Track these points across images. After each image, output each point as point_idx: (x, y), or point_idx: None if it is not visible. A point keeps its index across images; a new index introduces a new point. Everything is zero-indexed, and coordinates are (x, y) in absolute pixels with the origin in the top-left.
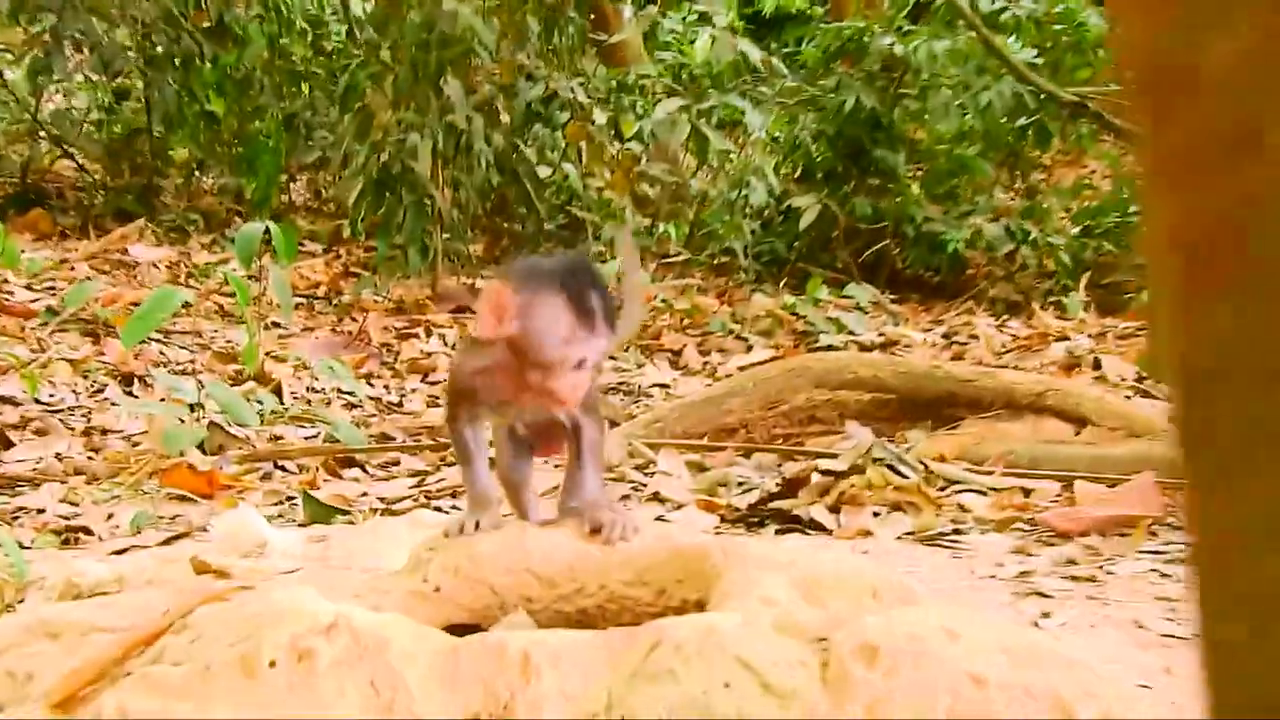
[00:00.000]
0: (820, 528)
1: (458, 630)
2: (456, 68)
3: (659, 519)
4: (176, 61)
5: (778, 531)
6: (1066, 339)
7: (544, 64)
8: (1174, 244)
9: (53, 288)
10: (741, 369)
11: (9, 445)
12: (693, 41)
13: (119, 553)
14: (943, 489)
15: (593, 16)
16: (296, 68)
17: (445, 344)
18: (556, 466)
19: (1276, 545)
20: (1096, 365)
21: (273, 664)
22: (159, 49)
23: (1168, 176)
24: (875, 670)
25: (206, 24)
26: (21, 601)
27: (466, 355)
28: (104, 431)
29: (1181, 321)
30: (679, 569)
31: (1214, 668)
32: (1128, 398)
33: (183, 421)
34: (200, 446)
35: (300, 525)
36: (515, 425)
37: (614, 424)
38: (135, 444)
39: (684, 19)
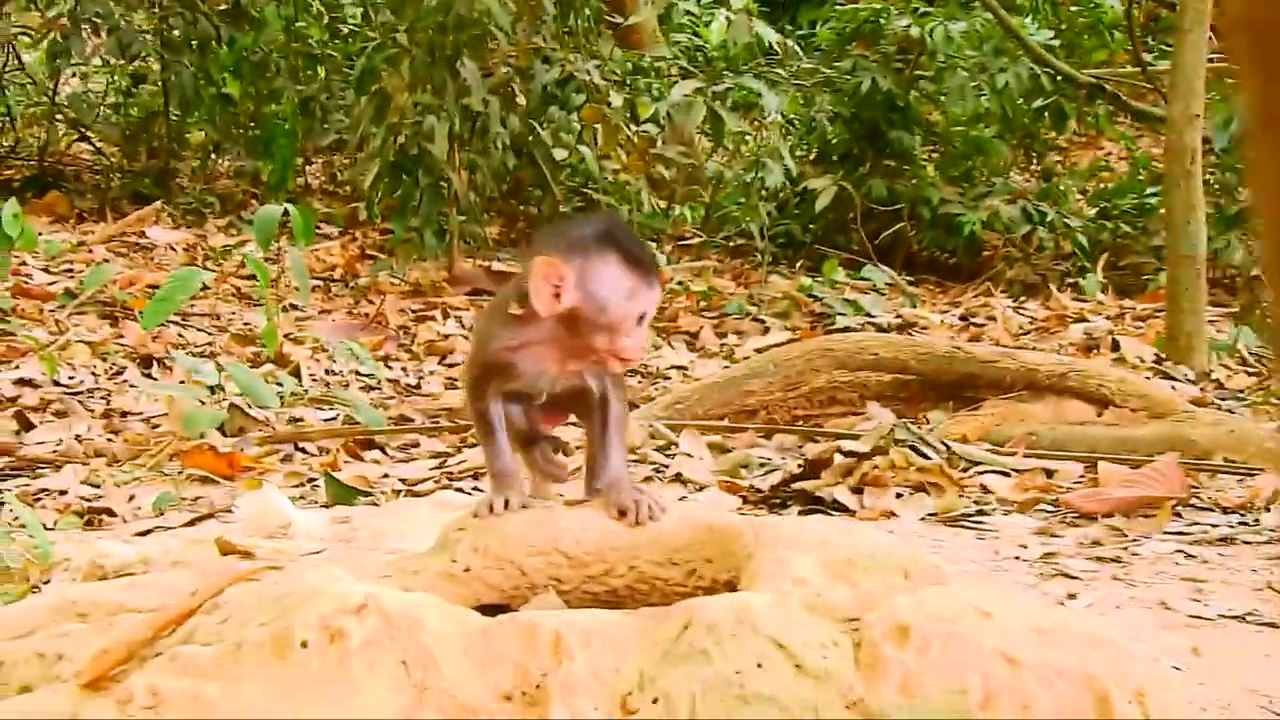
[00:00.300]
0: (843, 509)
1: (487, 610)
2: (473, 50)
3: (682, 500)
4: (193, 44)
5: (800, 513)
6: (1084, 320)
7: (560, 46)
8: None
9: (70, 270)
10: (759, 351)
11: (29, 427)
12: (708, 23)
13: (143, 534)
14: (965, 470)
15: None
16: (313, 50)
17: (462, 326)
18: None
19: None
20: (1115, 347)
21: (304, 644)
22: (176, 32)
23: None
24: (907, 650)
25: (223, 6)
26: (47, 582)
27: (498, 331)
28: (123, 414)
29: None
30: (710, 549)
31: None
32: (1147, 379)
33: (203, 404)
34: (220, 428)
35: (323, 507)
36: (540, 397)
37: (633, 405)
38: (155, 426)
39: (699, 1)
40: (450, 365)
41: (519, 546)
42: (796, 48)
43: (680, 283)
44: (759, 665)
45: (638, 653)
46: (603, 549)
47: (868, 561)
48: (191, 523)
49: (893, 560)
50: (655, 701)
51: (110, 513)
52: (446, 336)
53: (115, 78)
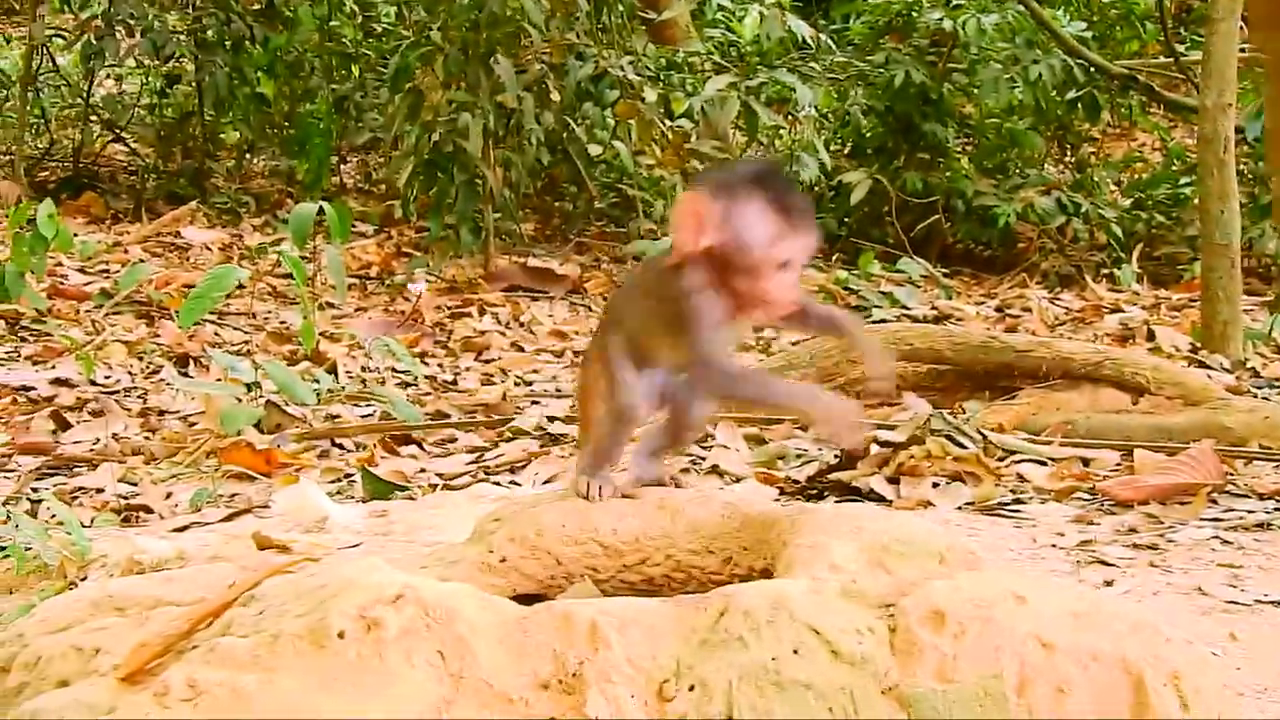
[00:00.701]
0: (880, 499)
1: (523, 600)
2: (506, 47)
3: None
4: (227, 44)
5: (837, 503)
6: (1119, 311)
7: (593, 42)
8: None
9: (106, 271)
10: (794, 344)
11: (66, 426)
12: (741, 18)
13: (180, 530)
14: (1002, 459)
15: None
16: (347, 49)
17: (498, 322)
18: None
19: None
20: (1150, 336)
21: (341, 634)
22: (209, 32)
23: None
24: (943, 635)
25: (256, 6)
26: (84, 579)
27: (687, 277)
28: (160, 412)
29: None
30: (746, 537)
31: None
32: (1183, 367)
33: (239, 401)
34: (257, 426)
35: (360, 501)
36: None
37: None
38: (192, 424)
39: None
40: (486, 361)
41: (555, 536)
42: (830, 42)
43: None
44: (795, 651)
45: (674, 640)
46: (639, 538)
47: (903, 547)
48: (228, 518)
49: (928, 546)
50: (691, 689)
51: (147, 510)
52: (483, 333)
53: (149, 78)
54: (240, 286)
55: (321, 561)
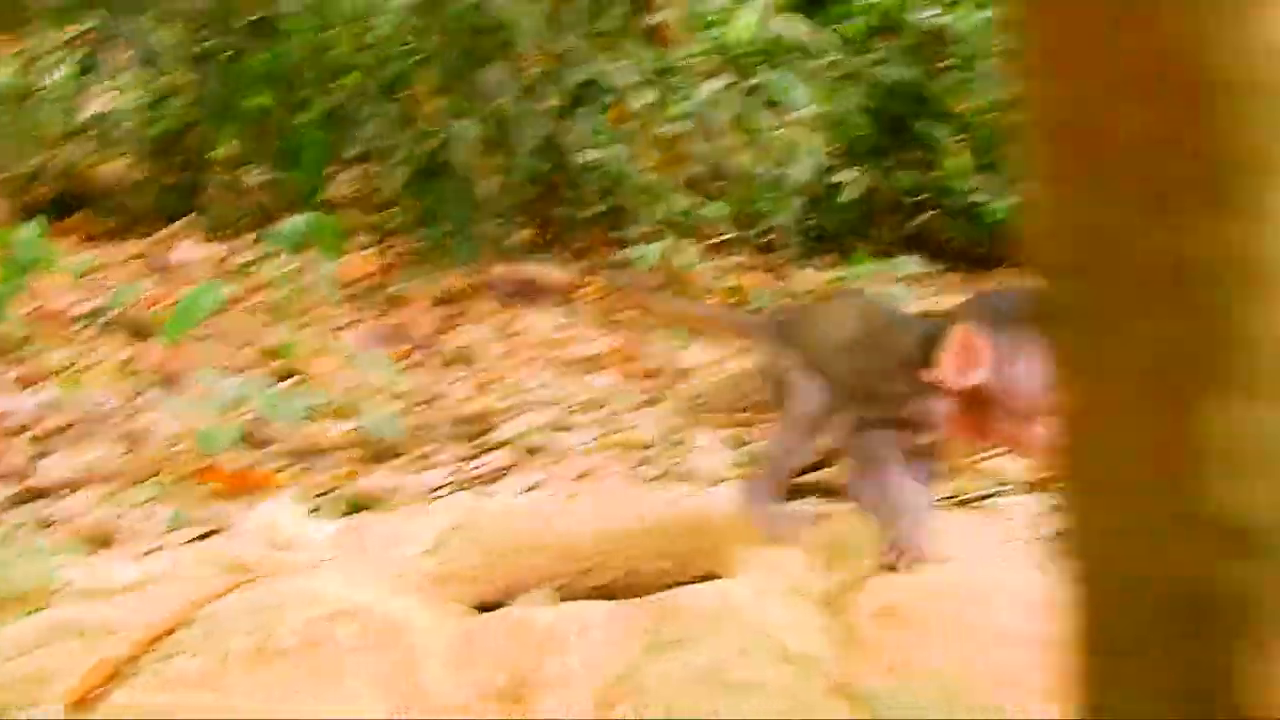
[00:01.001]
0: None
1: (482, 608)
2: (499, 55)
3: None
4: (221, 58)
5: (819, 500)
6: None
7: (588, 46)
8: (1042, 132)
9: (96, 289)
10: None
11: (47, 450)
12: (735, 20)
13: (152, 552)
14: (980, 452)
15: None
16: (341, 59)
17: (490, 332)
18: None
19: (1130, 424)
20: None
21: (288, 651)
22: (207, 44)
23: (1040, 63)
24: (894, 631)
25: (251, 19)
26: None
27: (902, 390)
28: (142, 433)
29: (1044, 211)
30: (703, 541)
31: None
32: None
33: (221, 420)
34: (240, 443)
35: (340, 516)
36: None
37: (653, 401)
38: (174, 444)
39: None
40: (477, 370)
41: (513, 544)
42: (825, 41)
43: (713, 279)
44: (741, 652)
45: (622, 645)
46: (598, 544)
47: (859, 542)
48: (202, 537)
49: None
50: (637, 692)
51: (122, 533)
52: (473, 342)
53: (143, 93)
54: (230, 302)
55: (274, 578)
